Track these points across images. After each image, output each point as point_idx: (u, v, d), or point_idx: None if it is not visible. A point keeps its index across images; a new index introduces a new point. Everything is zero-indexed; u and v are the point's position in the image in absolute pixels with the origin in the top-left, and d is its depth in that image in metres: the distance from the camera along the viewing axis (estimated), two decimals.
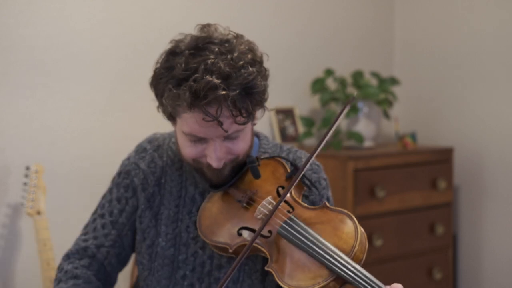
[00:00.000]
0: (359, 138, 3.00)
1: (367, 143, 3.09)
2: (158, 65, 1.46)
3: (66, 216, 2.57)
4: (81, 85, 2.61)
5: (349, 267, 1.31)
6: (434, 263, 3.08)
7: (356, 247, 1.34)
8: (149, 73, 1.49)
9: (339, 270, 1.31)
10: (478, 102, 3.18)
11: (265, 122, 3.07)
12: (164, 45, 1.51)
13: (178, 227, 1.57)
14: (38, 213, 2.34)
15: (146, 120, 2.72)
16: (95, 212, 1.65)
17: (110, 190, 1.65)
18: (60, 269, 1.60)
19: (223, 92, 1.35)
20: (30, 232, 2.45)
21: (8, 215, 2.48)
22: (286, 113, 3.14)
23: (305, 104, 3.22)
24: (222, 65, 1.37)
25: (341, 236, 1.37)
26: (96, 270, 1.59)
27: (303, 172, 1.41)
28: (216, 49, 1.40)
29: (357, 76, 3.12)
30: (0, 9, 2.43)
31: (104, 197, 1.66)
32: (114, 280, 1.65)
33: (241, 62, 1.39)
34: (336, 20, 3.33)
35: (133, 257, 1.86)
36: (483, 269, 3.22)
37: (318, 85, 3.08)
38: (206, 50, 1.40)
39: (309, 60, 3.22)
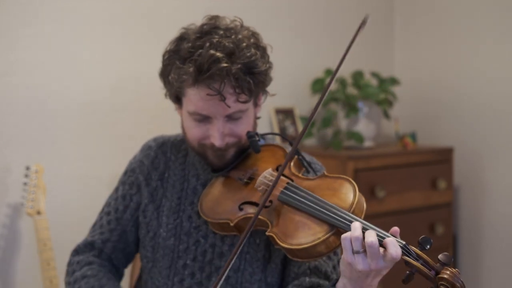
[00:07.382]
0: (359, 138, 3.00)
1: (367, 143, 3.09)
2: (167, 50, 1.53)
3: (66, 216, 2.56)
4: (81, 85, 2.61)
5: (349, 217, 1.33)
6: None
7: (355, 205, 1.36)
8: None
9: (338, 222, 1.32)
10: (478, 102, 3.18)
11: (265, 122, 3.07)
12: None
13: (179, 217, 1.60)
14: (38, 213, 2.34)
15: (146, 120, 2.72)
16: (102, 211, 1.71)
17: (116, 189, 1.70)
18: (71, 263, 1.65)
19: (226, 65, 1.41)
20: (30, 232, 2.45)
21: (8, 215, 2.48)
22: (286, 113, 3.14)
23: (305, 104, 3.22)
24: (226, 43, 1.45)
25: (340, 196, 1.39)
26: (106, 260, 1.65)
27: (303, 135, 1.44)
28: (221, 32, 1.48)
29: (357, 76, 3.12)
30: (0, 9, 2.43)
31: (111, 196, 1.71)
32: (121, 274, 1.70)
33: (244, 44, 1.48)
34: (336, 20, 3.33)
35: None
36: (483, 269, 3.21)
37: (318, 85, 3.08)
38: (212, 33, 1.48)
39: (309, 60, 3.22)
